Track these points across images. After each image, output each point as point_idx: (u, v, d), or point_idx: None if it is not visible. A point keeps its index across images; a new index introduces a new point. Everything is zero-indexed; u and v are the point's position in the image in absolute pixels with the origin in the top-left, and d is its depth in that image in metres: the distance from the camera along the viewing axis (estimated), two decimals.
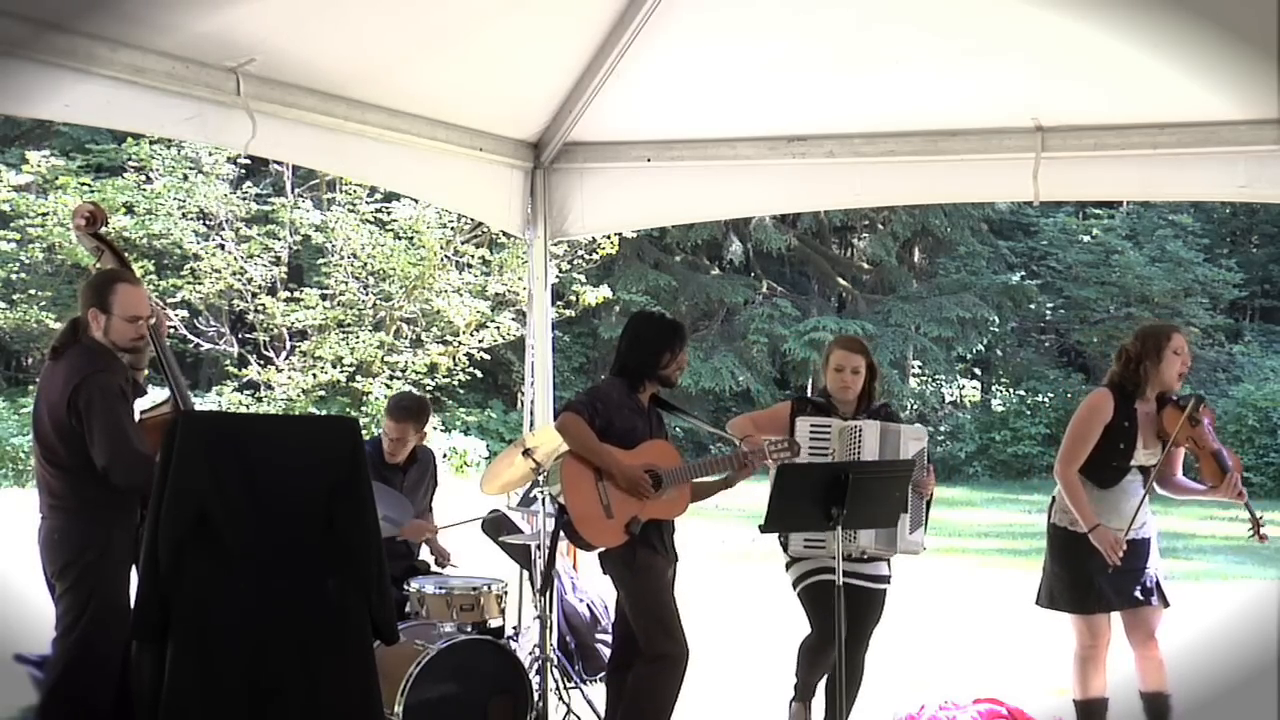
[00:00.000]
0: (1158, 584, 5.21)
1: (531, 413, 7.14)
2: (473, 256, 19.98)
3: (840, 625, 4.78)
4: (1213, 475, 5.22)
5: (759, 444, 5.19)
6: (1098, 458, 5.21)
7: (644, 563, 5.03)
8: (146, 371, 4.97)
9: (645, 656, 4.98)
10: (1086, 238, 26.95)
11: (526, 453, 5.62)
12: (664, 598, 5.06)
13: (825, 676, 5.27)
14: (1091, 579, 5.15)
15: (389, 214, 19.54)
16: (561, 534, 5.18)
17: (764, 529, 5.00)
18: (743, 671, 6.84)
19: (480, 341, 20.22)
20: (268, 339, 19.88)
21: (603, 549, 5.08)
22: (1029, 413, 24.54)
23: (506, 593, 5.57)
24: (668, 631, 4.99)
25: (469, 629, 5.27)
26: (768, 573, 6.08)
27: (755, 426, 5.42)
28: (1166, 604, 5.22)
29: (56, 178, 18.80)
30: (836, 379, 5.34)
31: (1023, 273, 26.58)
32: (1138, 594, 5.17)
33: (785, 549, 5.30)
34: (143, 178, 19.12)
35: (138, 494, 4.39)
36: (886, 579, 5.33)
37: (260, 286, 19.52)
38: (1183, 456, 5.39)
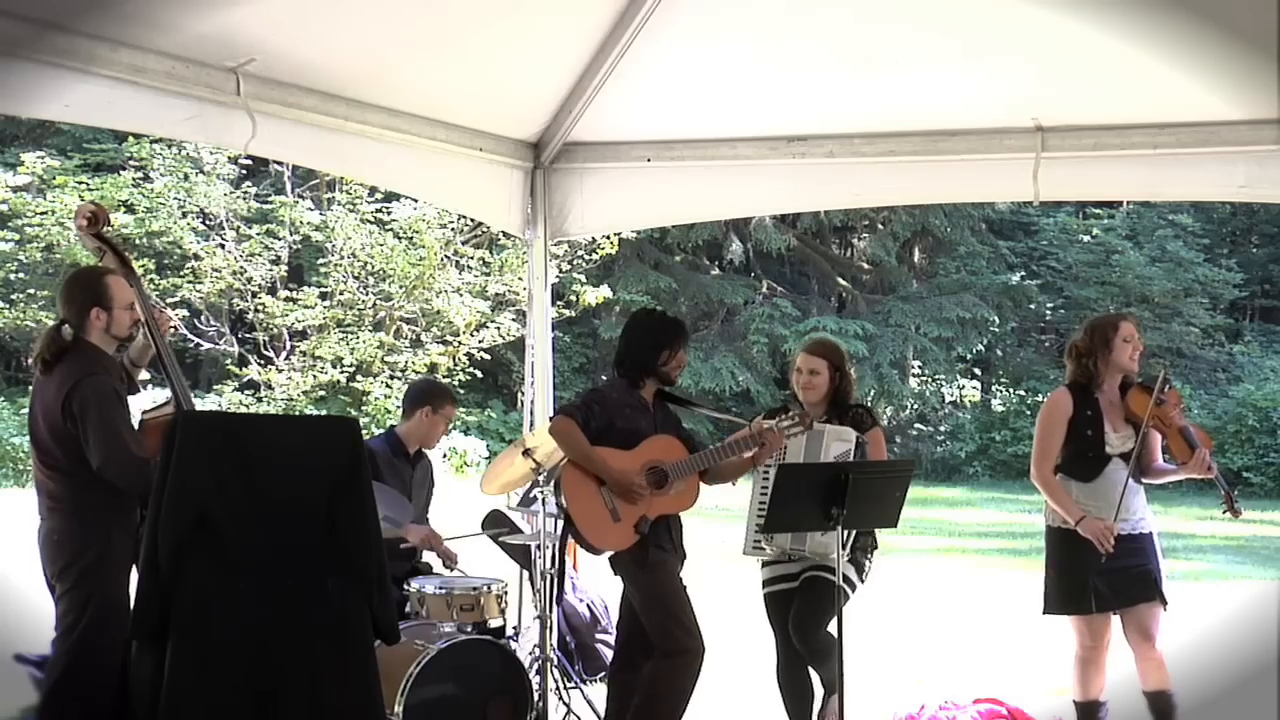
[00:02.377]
0: (1157, 583, 5.18)
1: (531, 413, 7.14)
2: (473, 257, 19.98)
3: (841, 626, 4.78)
4: (1181, 452, 5.24)
5: (762, 424, 5.15)
6: (1072, 453, 5.23)
7: (656, 560, 5.04)
8: (147, 374, 4.97)
9: (662, 652, 4.98)
10: (1086, 238, 26.94)
11: (526, 453, 5.64)
12: (679, 594, 5.08)
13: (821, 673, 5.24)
14: (1086, 579, 5.14)
15: (389, 214, 19.56)
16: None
17: (763, 529, 5.00)
18: (743, 671, 6.83)
19: (480, 341, 20.23)
20: (268, 339, 19.89)
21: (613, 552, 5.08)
22: (1029, 413, 24.45)
23: (506, 593, 5.56)
24: (685, 627, 5.01)
25: (469, 629, 5.27)
26: None
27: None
28: (1165, 604, 5.19)
29: (54, 177, 18.80)
30: (797, 380, 5.45)
31: (1023, 273, 26.58)
32: (1135, 592, 5.15)
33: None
34: (141, 176, 19.13)
35: (135, 495, 4.39)
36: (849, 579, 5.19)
37: (260, 286, 19.53)
38: (1160, 442, 5.39)
